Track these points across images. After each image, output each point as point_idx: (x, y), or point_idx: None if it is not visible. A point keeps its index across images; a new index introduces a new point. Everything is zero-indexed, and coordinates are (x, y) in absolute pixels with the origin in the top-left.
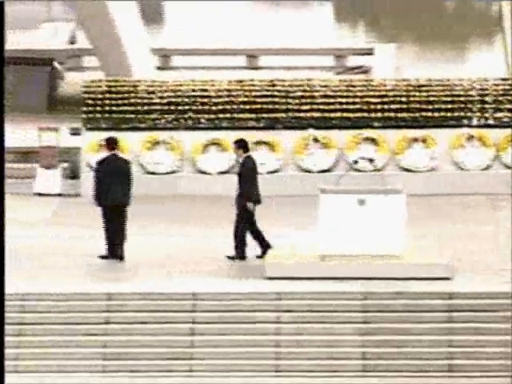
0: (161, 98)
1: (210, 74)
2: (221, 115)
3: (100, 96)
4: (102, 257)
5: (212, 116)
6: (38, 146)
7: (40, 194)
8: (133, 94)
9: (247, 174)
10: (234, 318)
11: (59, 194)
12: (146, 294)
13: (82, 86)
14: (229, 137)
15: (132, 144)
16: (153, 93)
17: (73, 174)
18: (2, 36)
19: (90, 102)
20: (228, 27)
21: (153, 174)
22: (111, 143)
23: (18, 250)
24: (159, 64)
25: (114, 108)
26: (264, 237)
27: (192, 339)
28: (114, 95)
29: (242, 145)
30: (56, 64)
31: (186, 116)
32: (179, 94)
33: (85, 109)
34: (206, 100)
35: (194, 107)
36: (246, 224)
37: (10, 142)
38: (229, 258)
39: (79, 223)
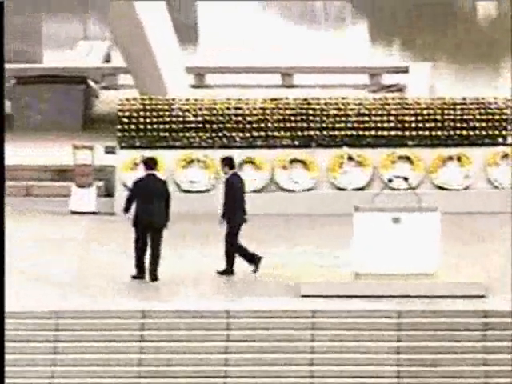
0: (195, 116)
1: (245, 92)
2: (255, 133)
3: (135, 114)
4: (134, 277)
5: (246, 134)
6: (73, 165)
7: (75, 212)
8: (167, 113)
9: (232, 192)
10: (268, 336)
11: (94, 213)
12: (180, 312)
13: (116, 104)
14: (263, 155)
15: (167, 162)
16: (187, 111)
17: (107, 193)
18: (2, 36)
19: (124, 120)
20: (263, 45)
21: (187, 192)
22: (150, 163)
23: (52, 268)
24: (194, 82)
25: (149, 126)
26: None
27: (226, 357)
28: (148, 113)
29: (227, 162)
30: (91, 82)
31: (220, 134)
32: (214, 112)
33: (119, 127)
34: (240, 118)
35: (229, 125)
36: (230, 239)
37: (45, 160)
38: (219, 273)
39: (113, 241)
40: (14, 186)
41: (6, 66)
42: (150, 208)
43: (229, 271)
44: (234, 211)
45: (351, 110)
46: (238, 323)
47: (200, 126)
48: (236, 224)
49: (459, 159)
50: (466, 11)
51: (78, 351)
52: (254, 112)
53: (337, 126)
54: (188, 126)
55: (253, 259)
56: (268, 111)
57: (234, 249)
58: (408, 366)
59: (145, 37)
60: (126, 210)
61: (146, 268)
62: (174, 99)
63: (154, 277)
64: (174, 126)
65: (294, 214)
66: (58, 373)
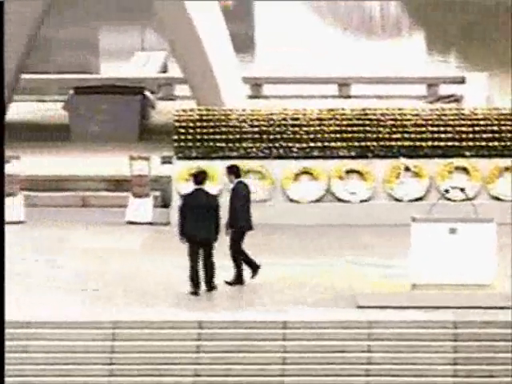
0: (252, 126)
1: (302, 103)
2: (312, 144)
3: (191, 125)
4: (192, 293)
5: (303, 145)
6: (130, 175)
7: (131, 223)
8: (224, 123)
9: (236, 199)
10: (325, 347)
11: (150, 223)
12: (237, 323)
13: (173, 114)
14: (320, 166)
15: (223, 173)
16: (244, 121)
17: (164, 203)
18: (2, 36)
19: (181, 130)
20: (320, 55)
21: None
22: (199, 177)
23: (108, 279)
24: (251, 92)
25: (205, 137)
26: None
27: (283, 367)
28: (205, 124)
29: (233, 170)
30: (148, 93)
31: (277, 145)
32: (270, 122)
33: (176, 137)
34: (297, 129)
35: (285, 136)
36: (234, 247)
37: (102, 170)
38: (227, 283)
39: (169, 252)
40: (70, 197)
41: (65, 76)
42: (198, 223)
43: (239, 281)
44: (237, 219)
45: (408, 120)
46: (295, 333)
47: (256, 136)
48: (240, 232)
49: None
50: None
51: (134, 362)
52: (311, 122)
53: (393, 136)
54: (244, 136)
55: (251, 267)
56: (325, 122)
57: (239, 256)
58: (465, 377)
59: (202, 47)
60: (182, 233)
61: (200, 282)
62: (230, 110)
63: (210, 286)
64: (230, 136)
65: (350, 225)
66: (114, 383)
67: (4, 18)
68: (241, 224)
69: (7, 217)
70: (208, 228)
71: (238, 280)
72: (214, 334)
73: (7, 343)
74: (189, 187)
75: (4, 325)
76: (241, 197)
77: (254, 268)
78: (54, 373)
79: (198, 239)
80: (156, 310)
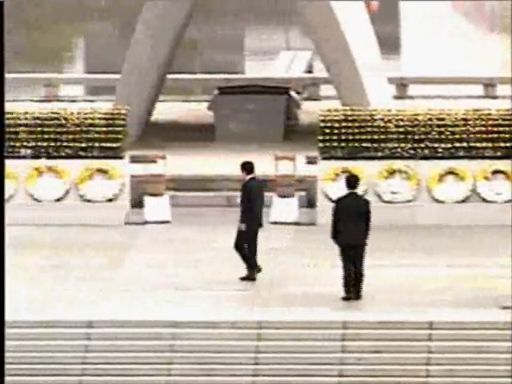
0: (397, 126)
1: (447, 103)
2: (457, 144)
3: (337, 125)
4: (344, 298)
5: (448, 145)
6: (275, 175)
7: (276, 223)
8: (369, 123)
9: (248, 196)
10: (469, 348)
11: (295, 223)
12: (382, 323)
13: (318, 114)
14: (465, 166)
15: (368, 173)
16: (389, 122)
17: (309, 203)
18: (2, 36)
19: (326, 130)
20: (465, 55)
21: (389, 203)
22: (352, 181)
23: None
24: (396, 93)
25: (350, 137)
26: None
27: (427, 368)
28: (350, 124)
29: (246, 167)
30: (293, 93)
31: (422, 145)
32: (416, 123)
33: (321, 137)
34: (442, 129)
35: (431, 136)
36: (249, 244)
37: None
38: (242, 279)
39: (314, 252)
40: (215, 197)
41: (210, 76)
42: (349, 228)
43: (251, 277)
44: (251, 216)
45: None
46: (440, 334)
47: (402, 136)
48: (253, 229)
49: None
50: None
51: (278, 362)
52: (456, 123)
53: None
54: (390, 136)
55: (252, 267)
56: (470, 122)
57: (249, 253)
58: None
59: (347, 47)
60: (335, 236)
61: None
62: (375, 110)
63: (357, 295)
64: (375, 136)
65: (496, 226)
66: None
67: (4, 18)
68: (255, 221)
69: (154, 216)
70: (360, 232)
71: (250, 276)
72: (359, 335)
73: (155, 343)
74: (334, 188)
75: (4, 325)
76: (254, 193)
77: (252, 268)
78: (201, 372)
79: (349, 243)
80: (301, 310)
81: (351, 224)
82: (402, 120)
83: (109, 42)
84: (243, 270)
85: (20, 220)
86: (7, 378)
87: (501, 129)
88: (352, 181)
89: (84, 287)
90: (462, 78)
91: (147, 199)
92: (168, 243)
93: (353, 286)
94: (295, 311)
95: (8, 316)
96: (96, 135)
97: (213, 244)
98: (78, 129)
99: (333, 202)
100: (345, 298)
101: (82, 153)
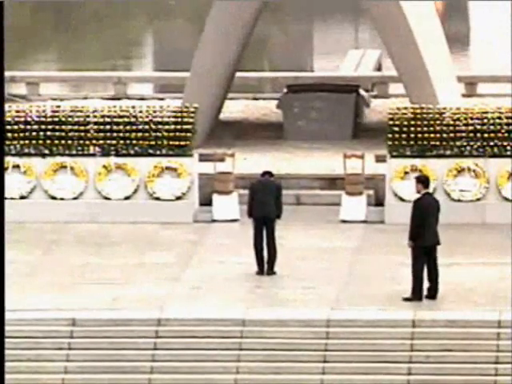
0: (466, 125)
1: None
2: None
3: (405, 123)
4: (406, 299)
5: None
6: (344, 173)
7: (345, 221)
8: (438, 122)
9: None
10: None
11: (364, 221)
12: (451, 322)
13: (387, 113)
14: None
15: (437, 171)
16: (458, 120)
17: (377, 202)
18: (2, 36)
19: (395, 129)
20: None
21: (458, 201)
22: (426, 181)
23: (321, 277)
24: (465, 91)
25: (419, 135)
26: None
27: (496, 367)
28: (419, 122)
29: (422, 180)
30: (362, 91)
31: (491, 143)
32: (485, 121)
33: (390, 136)
34: (511, 127)
35: (500, 135)
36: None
37: (315, 168)
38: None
39: (383, 251)
40: (284, 195)
41: (279, 74)
42: (432, 229)
43: (261, 271)
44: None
45: None
46: (508, 333)
47: (471, 135)
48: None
49: None
50: None
51: (346, 360)
52: None
53: None
54: (458, 135)
55: (262, 266)
56: None
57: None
58: None
59: (416, 46)
60: (413, 238)
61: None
62: (444, 108)
63: (434, 294)
64: (444, 135)
65: None
66: (327, 381)
67: (4, 17)
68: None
69: (222, 215)
70: (437, 233)
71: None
72: (428, 333)
73: (223, 340)
74: (403, 186)
75: (4, 324)
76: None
77: (261, 266)
78: (270, 370)
79: (431, 244)
80: (370, 308)
81: (433, 225)
82: (471, 118)
83: (178, 40)
84: (313, 268)
85: (89, 217)
86: (77, 376)
87: None
88: (426, 181)
89: (153, 285)
90: None
91: (216, 197)
92: (236, 242)
93: (426, 288)
94: (364, 309)
95: (82, 315)
96: (165, 133)
97: (282, 242)
98: (147, 127)
99: (412, 202)
100: (406, 299)
101: (150, 151)
